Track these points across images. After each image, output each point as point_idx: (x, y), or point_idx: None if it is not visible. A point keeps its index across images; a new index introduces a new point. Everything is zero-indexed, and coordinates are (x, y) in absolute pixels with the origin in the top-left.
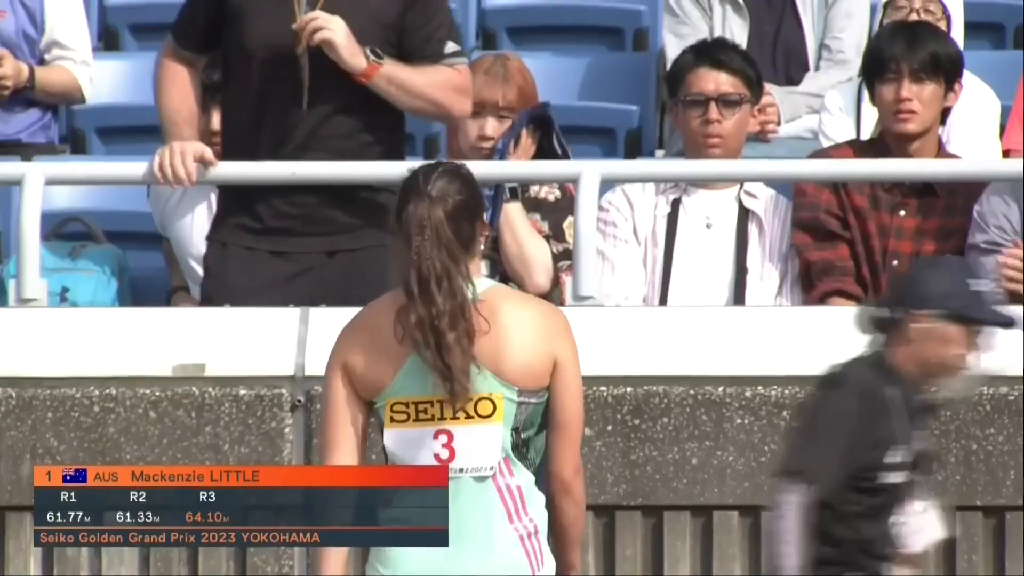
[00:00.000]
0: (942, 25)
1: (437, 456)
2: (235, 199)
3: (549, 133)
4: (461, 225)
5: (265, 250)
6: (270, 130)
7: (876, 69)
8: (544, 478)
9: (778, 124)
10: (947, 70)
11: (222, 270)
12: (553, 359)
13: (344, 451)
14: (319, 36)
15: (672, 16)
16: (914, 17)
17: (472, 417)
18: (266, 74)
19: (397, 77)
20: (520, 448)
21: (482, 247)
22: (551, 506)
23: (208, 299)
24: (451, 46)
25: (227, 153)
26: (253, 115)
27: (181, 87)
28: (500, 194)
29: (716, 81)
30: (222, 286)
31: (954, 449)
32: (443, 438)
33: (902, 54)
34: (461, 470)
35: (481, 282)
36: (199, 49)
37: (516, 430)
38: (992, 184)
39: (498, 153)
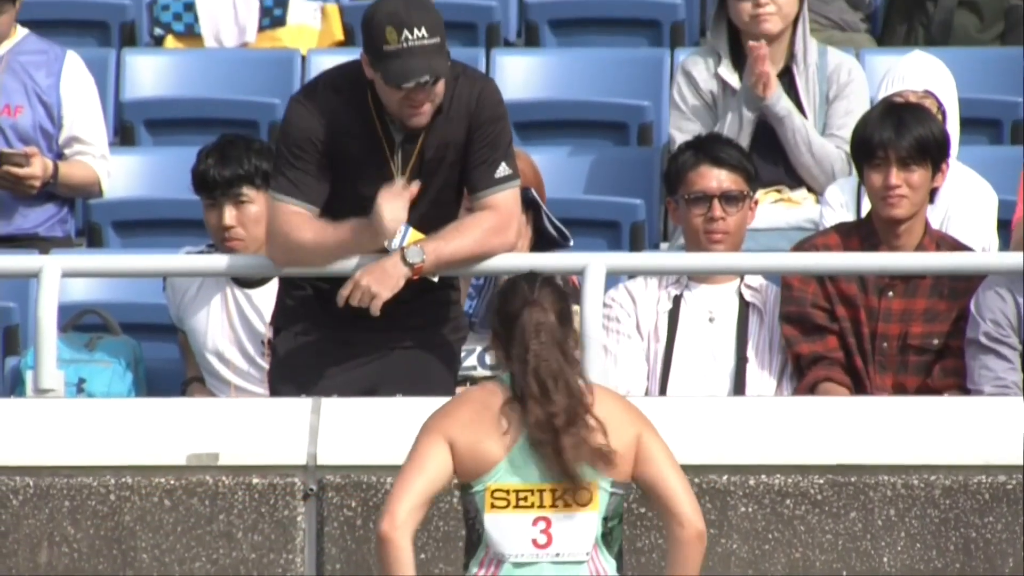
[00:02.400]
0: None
1: (535, 541)
2: (301, 288)
3: (539, 214)
4: (566, 329)
5: (331, 339)
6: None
7: (864, 154)
8: (624, 566)
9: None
10: (934, 153)
11: (294, 361)
12: (636, 444)
13: (418, 504)
14: (368, 302)
15: (677, 111)
16: None
17: (571, 506)
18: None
19: (442, 259)
20: (607, 536)
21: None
22: (681, 557)
23: (275, 386)
24: (503, 169)
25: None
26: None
27: (317, 222)
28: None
29: (718, 178)
30: (291, 375)
31: (953, 537)
32: (541, 524)
33: (889, 140)
34: (558, 554)
35: None
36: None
37: (605, 519)
38: (988, 278)
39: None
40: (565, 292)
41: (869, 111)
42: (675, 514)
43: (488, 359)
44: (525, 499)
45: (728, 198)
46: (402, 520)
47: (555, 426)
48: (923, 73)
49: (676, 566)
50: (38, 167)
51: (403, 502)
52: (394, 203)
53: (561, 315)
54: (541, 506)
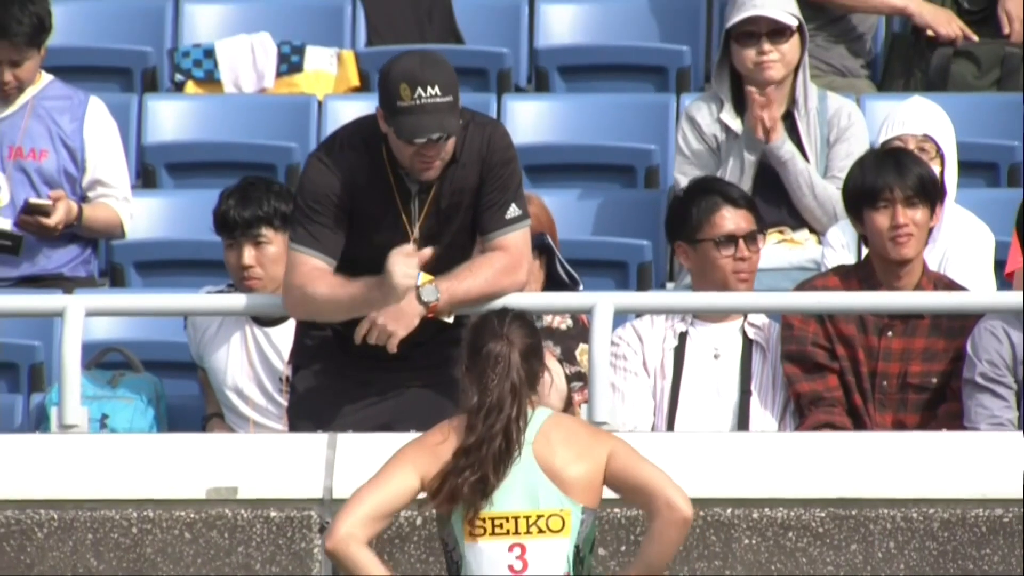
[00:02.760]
0: (936, 164)
1: (511, 567)
2: (320, 329)
3: (552, 259)
4: (531, 364)
5: (349, 378)
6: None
7: (868, 198)
8: None
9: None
10: (932, 194)
11: (313, 398)
12: (605, 466)
13: (366, 517)
14: (385, 340)
15: (681, 155)
16: None
17: (544, 532)
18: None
19: (455, 298)
20: (578, 565)
21: (543, 384)
22: (660, 534)
23: (294, 423)
24: (513, 210)
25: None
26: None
27: (332, 278)
28: None
29: (740, 219)
30: (309, 412)
31: (951, 569)
32: (517, 551)
33: (894, 181)
34: None
35: (541, 411)
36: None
37: (577, 547)
38: (983, 318)
39: None
40: (535, 328)
41: (861, 160)
42: (663, 498)
43: None
44: (501, 526)
45: (750, 237)
46: (344, 533)
47: (458, 450)
48: (922, 118)
49: (653, 542)
50: (62, 211)
51: (347, 517)
52: (405, 262)
53: (527, 351)
54: (516, 532)
